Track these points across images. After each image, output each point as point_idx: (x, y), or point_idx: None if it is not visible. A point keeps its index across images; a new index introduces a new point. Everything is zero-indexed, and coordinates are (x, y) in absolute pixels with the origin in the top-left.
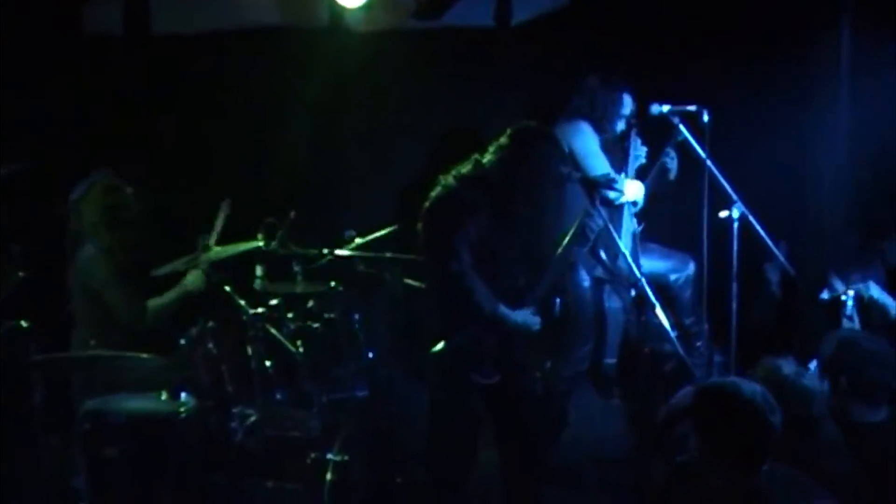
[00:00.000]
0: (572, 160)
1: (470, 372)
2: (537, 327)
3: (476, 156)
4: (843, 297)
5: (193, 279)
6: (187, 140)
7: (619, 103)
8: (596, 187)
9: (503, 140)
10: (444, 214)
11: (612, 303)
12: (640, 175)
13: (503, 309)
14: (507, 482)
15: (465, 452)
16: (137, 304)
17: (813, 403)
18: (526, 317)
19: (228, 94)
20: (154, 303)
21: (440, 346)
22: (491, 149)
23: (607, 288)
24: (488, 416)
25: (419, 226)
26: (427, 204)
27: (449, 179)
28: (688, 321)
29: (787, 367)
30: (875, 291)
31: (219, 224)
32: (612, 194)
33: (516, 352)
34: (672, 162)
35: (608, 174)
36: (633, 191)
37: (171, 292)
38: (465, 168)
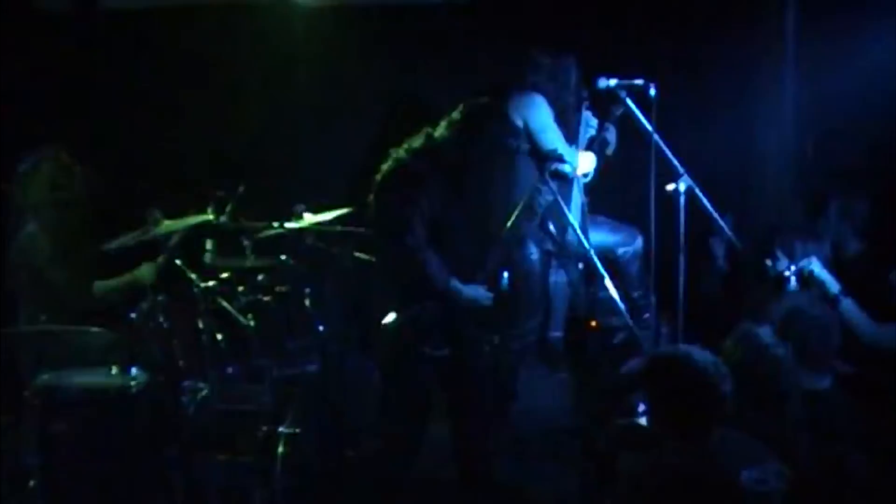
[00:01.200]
0: (527, 133)
1: (420, 344)
2: (489, 303)
3: (427, 129)
4: (787, 273)
5: (146, 272)
6: (137, 115)
7: (570, 74)
8: (545, 161)
9: (455, 115)
10: (397, 188)
11: (558, 276)
12: (589, 147)
13: (455, 283)
14: (459, 454)
15: (416, 424)
16: (80, 284)
17: (786, 376)
18: (478, 292)
19: (178, 70)
20: (103, 284)
21: (390, 319)
22: (443, 123)
23: (553, 262)
24: (439, 389)
25: (371, 199)
26: (379, 177)
27: (400, 153)
28: (635, 294)
29: (766, 335)
30: (816, 267)
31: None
32: (565, 168)
33: (466, 324)
34: (611, 136)
35: (555, 149)
36: (585, 163)
37: (121, 279)
38: (417, 142)
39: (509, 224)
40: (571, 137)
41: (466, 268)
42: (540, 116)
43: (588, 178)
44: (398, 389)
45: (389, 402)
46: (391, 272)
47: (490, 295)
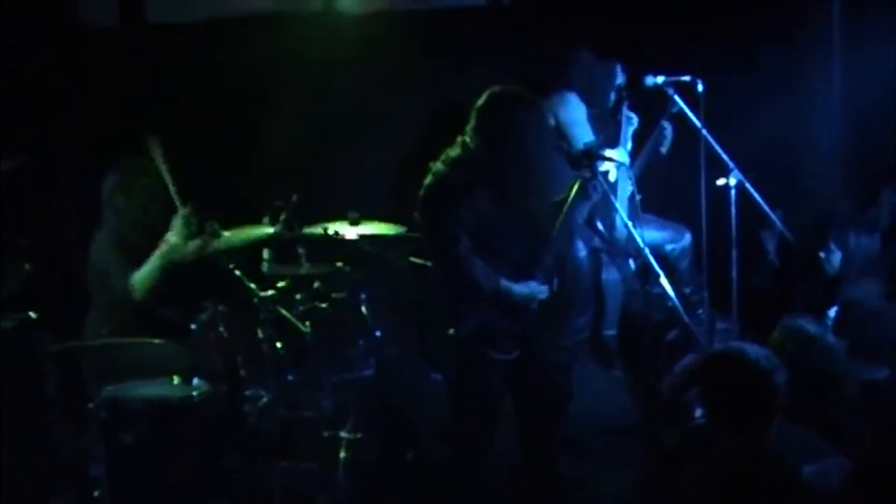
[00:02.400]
0: (557, 130)
1: (489, 350)
2: (545, 295)
3: (462, 137)
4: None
5: (174, 235)
6: (184, 128)
7: (613, 75)
8: (593, 157)
9: (472, 120)
10: (439, 202)
11: (610, 274)
12: (634, 140)
13: (504, 283)
14: (528, 454)
15: (487, 431)
16: (126, 275)
17: (838, 361)
18: (531, 287)
19: (224, 81)
20: (138, 275)
21: (456, 330)
22: (468, 128)
23: (605, 259)
24: (505, 392)
25: (416, 214)
26: (421, 192)
27: (438, 166)
28: (687, 290)
29: (811, 325)
30: None
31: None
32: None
33: (531, 325)
34: (667, 133)
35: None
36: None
37: (152, 259)
38: (454, 151)
39: (562, 215)
40: (610, 139)
41: (523, 267)
42: (570, 111)
43: (625, 168)
44: (469, 398)
45: (460, 411)
46: (445, 282)
47: (545, 288)
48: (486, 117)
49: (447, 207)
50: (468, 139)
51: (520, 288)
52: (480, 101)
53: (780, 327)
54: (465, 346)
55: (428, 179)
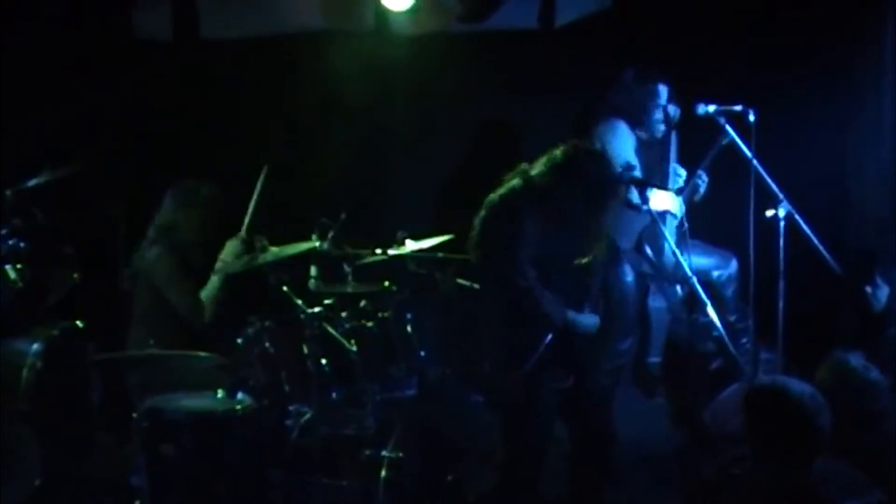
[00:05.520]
0: None
1: (546, 379)
2: (597, 326)
3: (524, 166)
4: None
5: (228, 253)
6: (235, 143)
7: (656, 95)
8: (645, 187)
9: (558, 156)
10: (499, 232)
11: (656, 302)
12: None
13: (570, 314)
14: (577, 478)
15: (539, 458)
16: (196, 301)
17: (879, 396)
18: (591, 319)
19: (276, 98)
20: (204, 294)
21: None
22: (543, 161)
23: (652, 287)
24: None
25: (473, 240)
26: (480, 222)
27: (494, 199)
28: (732, 318)
29: (855, 360)
30: None
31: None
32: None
33: (582, 351)
34: (703, 183)
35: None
36: (664, 201)
37: (212, 278)
38: (514, 181)
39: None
40: (657, 162)
41: (573, 298)
42: (620, 144)
43: (676, 221)
44: (524, 425)
45: (513, 437)
46: (506, 311)
47: (598, 319)
48: (566, 166)
49: (510, 235)
50: (532, 171)
51: (583, 318)
52: (562, 149)
53: (825, 362)
54: (524, 377)
55: (484, 213)
